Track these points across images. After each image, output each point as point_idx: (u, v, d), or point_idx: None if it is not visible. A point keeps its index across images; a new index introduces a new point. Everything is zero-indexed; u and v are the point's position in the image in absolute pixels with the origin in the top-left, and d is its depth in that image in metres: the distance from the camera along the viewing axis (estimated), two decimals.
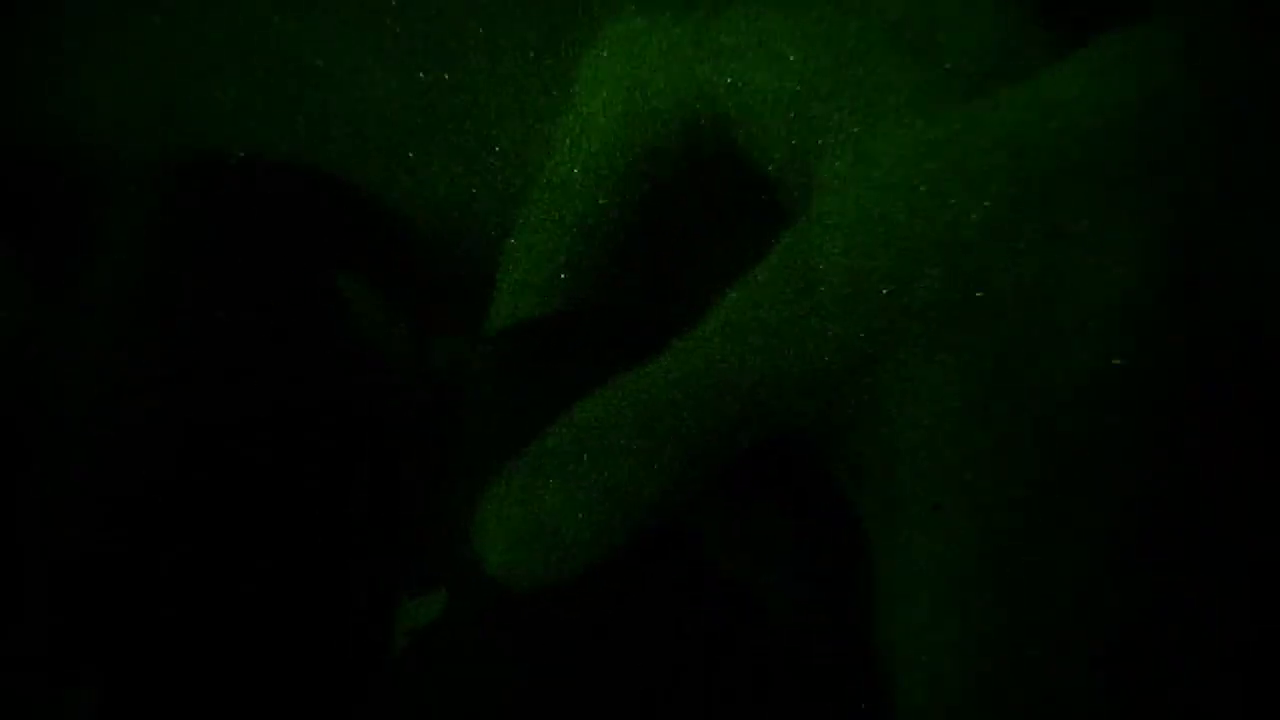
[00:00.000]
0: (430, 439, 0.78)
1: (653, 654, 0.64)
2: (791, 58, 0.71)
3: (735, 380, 0.64)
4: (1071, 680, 0.60)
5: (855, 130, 0.68)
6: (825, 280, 0.64)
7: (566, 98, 0.78)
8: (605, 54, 0.76)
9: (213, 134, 0.82)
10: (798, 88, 0.70)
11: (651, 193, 0.74)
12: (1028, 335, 0.62)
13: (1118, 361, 0.60)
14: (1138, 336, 0.61)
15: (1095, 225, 0.61)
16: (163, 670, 0.69)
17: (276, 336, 0.77)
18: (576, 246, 0.74)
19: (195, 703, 0.69)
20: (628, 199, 0.74)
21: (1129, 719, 0.60)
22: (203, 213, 0.79)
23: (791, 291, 0.64)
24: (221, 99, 0.82)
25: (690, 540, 0.67)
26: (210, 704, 0.69)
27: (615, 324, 0.75)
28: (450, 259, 0.84)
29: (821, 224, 0.65)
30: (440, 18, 0.81)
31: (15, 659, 0.67)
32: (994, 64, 0.67)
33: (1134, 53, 0.63)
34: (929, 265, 0.62)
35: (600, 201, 0.74)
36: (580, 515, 0.63)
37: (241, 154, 0.82)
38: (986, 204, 0.62)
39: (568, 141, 0.76)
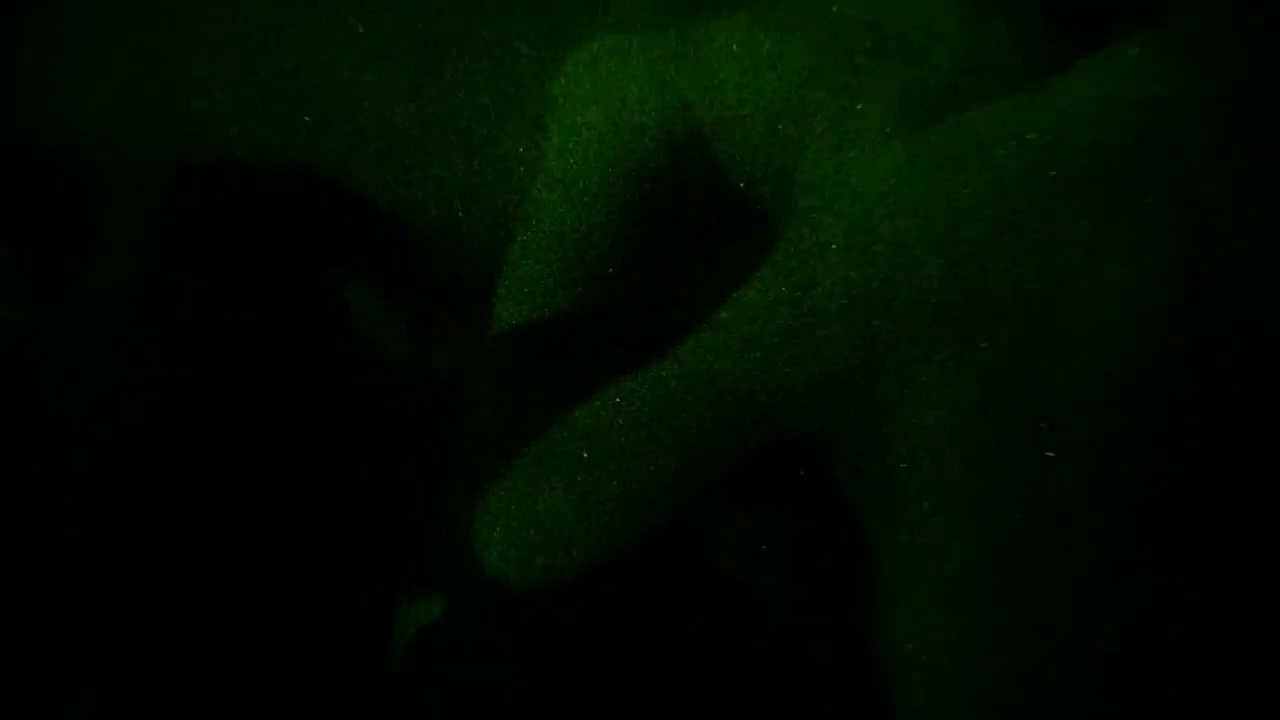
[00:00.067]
0: (430, 439, 0.78)
1: (653, 654, 0.64)
2: (769, 69, 0.71)
3: (737, 385, 0.64)
4: (1072, 680, 0.60)
5: (835, 139, 0.68)
6: (826, 286, 0.64)
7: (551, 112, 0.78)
8: (583, 72, 0.76)
9: (212, 134, 0.82)
10: (776, 98, 0.71)
11: (639, 204, 0.74)
12: (1028, 337, 0.62)
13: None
14: (1138, 337, 0.61)
15: (1097, 228, 0.61)
16: (163, 670, 0.69)
17: (276, 337, 0.77)
18: (568, 268, 0.75)
19: (195, 703, 0.69)
20: (615, 213, 0.74)
21: (1129, 719, 0.60)
22: (203, 214, 0.79)
23: (793, 297, 0.65)
24: (221, 100, 0.82)
25: (690, 540, 0.67)
26: (210, 704, 0.69)
27: (613, 327, 0.75)
28: (450, 259, 0.84)
29: (821, 230, 0.65)
30: (440, 20, 0.81)
31: (15, 659, 0.67)
32: (967, 65, 0.68)
33: (1140, 59, 0.63)
34: (929, 269, 0.62)
35: (588, 220, 0.74)
36: (581, 517, 0.64)
37: (241, 155, 0.82)
38: (988, 208, 0.62)
39: (553, 160, 0.76)
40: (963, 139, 0.64)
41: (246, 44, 0.83)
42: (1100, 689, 0.60)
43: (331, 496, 0.76)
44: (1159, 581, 0.61)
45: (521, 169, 0.83)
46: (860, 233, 0.64)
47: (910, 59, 0.68)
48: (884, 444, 0.65)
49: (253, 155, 0.83)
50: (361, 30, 0.83)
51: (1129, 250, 0.61)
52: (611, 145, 0.74)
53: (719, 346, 0.65)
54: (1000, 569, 0.61)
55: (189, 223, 0.79)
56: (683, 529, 0.67)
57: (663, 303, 0.77)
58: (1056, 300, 0.62)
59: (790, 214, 0.70)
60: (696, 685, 0.64)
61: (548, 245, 0.75)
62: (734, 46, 0.72)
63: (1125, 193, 0.62)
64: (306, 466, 0.75)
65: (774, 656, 0.66)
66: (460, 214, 0.84)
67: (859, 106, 0.68)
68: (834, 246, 0.64)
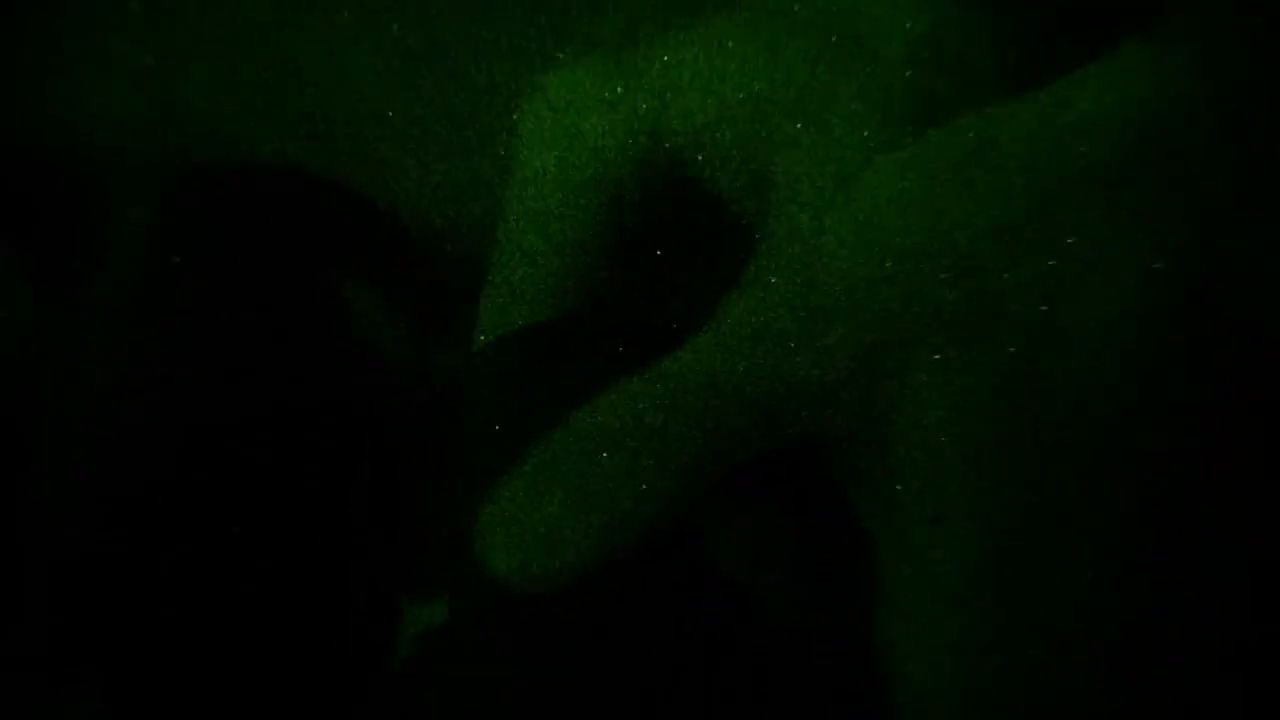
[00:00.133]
0: (430, 439, 0.78)
1: (653, 654, 0.64)
2: (731, 78, 0.71)
3: (739, 386, 0.64)
4: (1071, 680, 0.60)
5: (803, 138, 0.68)
6: (827, 288, 0.64)
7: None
8: (541, 109, 0.76)
9: (212, 134, 0.82)
10: (742, 106, 0.71)
11: (610, 229, 0.75)
12: (1028, 338, 0.62)
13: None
14: (1138, 338, 0.61)
15: (1098, 229, 0.62)
16: (163, 670, 0.69)
17: (276, 337, 0.77)
18: (542, 292, 0.75)
19: (195, 703, 0.69)
20: (583, 242, 0.74)
21: (1129, 719, 0.60)
22: (203, 213, 0.79)
23: (794, 299, 0.65)
24: (221, 100, 0.82)
25: (690, 540, 0.67)
26: (210, 704, 0.69)
27: (612, 330, 0.75)
28: (450, 259, 0.84)
29: (822, 233, 0.65)
30: (440, 22, 0.81)
31: (15, 659, 0.67)
32: (923, 58, 0.68)
33: (1142, 62, 0.63)
34: (931, 271, 0.62)
35: (556, 256, 0.75)
36: (582, 520, 0.64)
37: (241, 155, 0.82)
38: (989, 210, 0.62)
39: (516, 201, 0.76)
40: (964, 141, 0.64)
41: (246, 44, 0.83)
42: (1100, 689, 0.60)
43: (331, 496, 0.76)
44: (1159, 581, 0.61)
45: None
46: (862, 235, 0.64)
47: (867, 55, 0.68)
48: (884, 444, 0.65)
49: (253, 155, 0.83)
50: (362, 31, 0.83)
51: (1129, 251, 0.61)
52: (574, 183, 0.74)
53: (720, 348, 0.65)
54: (1000, 569, 0.61)
55: (189, 222, 0.79)
56: (683, 529, 0.67)
57: (653, 312, 0.77)
58: (1057, 301, 0.62)
59: (774, 216, 0.70)
60: (696, 685, 0.64)
61: (521, 267, 0.76)
62: (694, 61, 0.72)
63: (1126, 194, 0.62)
64: (306, 466, 0.75)
65: (774, 656, 0.66)
66: (460, 215, 0.84)
67: (822, 104, 0.68)
68: (835, 249, 0.64)
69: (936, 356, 0.63)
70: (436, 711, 0.66)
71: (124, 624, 0.69)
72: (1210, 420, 0.61)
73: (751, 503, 0.69)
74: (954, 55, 0.67)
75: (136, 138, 0.83)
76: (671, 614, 0.66)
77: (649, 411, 0.65)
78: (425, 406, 0.81)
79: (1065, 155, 0.62)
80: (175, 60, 0.83)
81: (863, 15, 0.70)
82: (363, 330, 0.81)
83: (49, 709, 0.67)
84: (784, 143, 0.69)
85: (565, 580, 0.64)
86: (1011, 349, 0.62)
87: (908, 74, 0.67)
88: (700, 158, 0.73)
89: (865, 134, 0.67)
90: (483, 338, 0.76)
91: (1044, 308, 0.62)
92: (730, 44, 0.72)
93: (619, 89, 0.74)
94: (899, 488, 0.64)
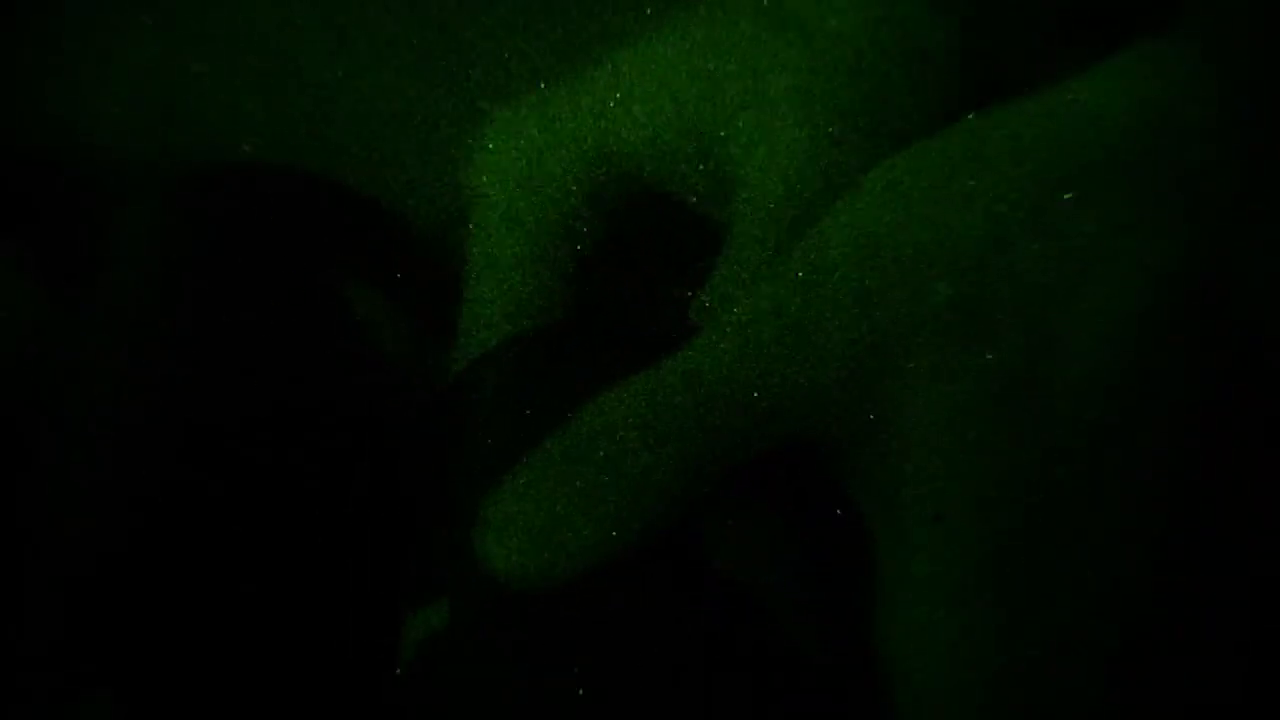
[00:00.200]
0: (430, 439, 0.78)
1: (653, 654, 0.64)
2: (681, 82, 0.71)
3: (738, 388, 0.64)
4: (1071, 680, 0.61)
5: (760, 131, 0.68)
6: (826, 289, 0.64)
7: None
8: (493, 146, 0.76)
9: (213, 135, 0.82)
10: (691, 106, 0.71)
11: (578, 255, 0.75)
12: (1028, 339, 0.62)
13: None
14: (1138, 339, 0.61)
15: (1098, 232, 0.62)
16: (164, 670, 0.69)
17: (277, 337, 0.77)
18: (517, 323, 0.75)
19: (195, 703, 0.69)
20: (549, 269, 0.75)
21: (1129, 719, 0.60)
22: (203, 213, 0.79)
23: (793, 300, 0.65)
24: (221, 100, 0.82)
25: (690, 540, 0.67)
26: (210, 704, 0.69)
27: (610, 331, 0.75)
28: (450, 259, 0.84)
29: (820, 234, 0.65)
30: (440, 22, 0.81)
31: (18, 660, 0.67)
32: (866, 31, 0.68)
33: (1143, 63, 0.63)
34: (930, 273, 0.63)
35: (527, 283, 0.75)
36: (583, 521, 0.64)
37: (242, 156, 0.82)
38: (989, 212, 0.62)
39: (478, 237, 0.77)
40: (964, 142, 0.64)
41: (246, 44, 0.83)
42: (1100, 689, 0.60)
43: (332, 496, 0.76)
44: (1159, 582, 0.61)
45: None
46: (862, 237, 0.64)
47: (808, 31, 0.68)
48: (884, 445, 0.65)
49: (253, 156, 0.83)
50: (362, 31, 0.83)
51: (1130, 254, 0.61)
52: (531, 221, 0.75)
53: (720, 349, 0.65)
54: (1000, 569, 0.61)
55: (189, 223, 0.79)
56: (683, 529, 0.67)
57: (648, 316, 0.77)
58: (1057, 303, 0.62)
59: (739, 212, 0.70)
60: (696, 685, 0.64)
61: (491, 324, 0.76)
62: (635, 71, 0.72)
63: (1127, 196, 0.62)
64: (307, 466, 0.75)
65: (774, 656, 0.66)
66: (459, 215, 0.84)
67: (768, 86, 0.68)
68: (834, 250, 0.64)
69: (935, 358, 0.63)
70: (436, 711, 0.66)
71: (125, 625, 0.69)
72: (1210, 420, 0.62)
73: (751, 503, 0.69)
74: (898, 26, 0.67)
75: (136, 138, 0.83)
76: (671, 614, 0.66)
77: (649, 412, 0.65)
78: (425, 406, 0.81)
79: (1062, 156, 0.62)
80: (175, 60, 0.83)
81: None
82: (363, 330, 0.81)
83: (52, 710, 0.67)
84: (739, 140, 0.69)
85: (565, 580, 0.64)
86: (1011, 350, 0.62)
87: (846, 46, 0.67)
88: (663, 167, 0.73)
89: (818, 120, 0.67)
90: (459, 353, 0.76)
91: (1044, 309, 0.62)
92: (670, 50, 0.72)
93: (571, 115, 0.74)
94: (901, 490, 0.64)
